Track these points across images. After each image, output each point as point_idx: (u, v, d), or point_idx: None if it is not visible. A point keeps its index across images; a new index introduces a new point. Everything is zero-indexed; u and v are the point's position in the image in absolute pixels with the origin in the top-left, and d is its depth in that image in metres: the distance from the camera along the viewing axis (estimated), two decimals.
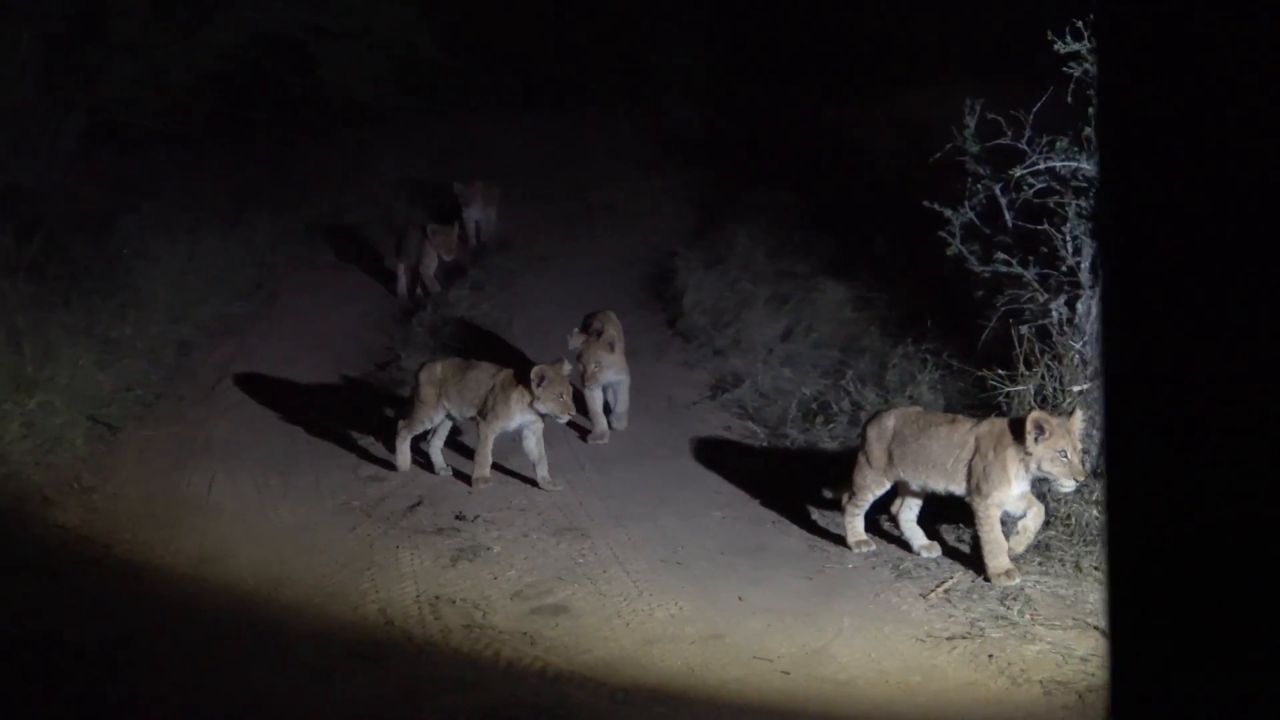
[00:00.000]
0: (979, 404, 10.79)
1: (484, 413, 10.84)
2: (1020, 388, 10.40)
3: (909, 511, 9.62)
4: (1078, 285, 10.51)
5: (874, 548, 9.59)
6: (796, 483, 10.68)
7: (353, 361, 13.71)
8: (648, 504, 10.50)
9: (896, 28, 19.77)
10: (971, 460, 9.10)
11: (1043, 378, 10.35)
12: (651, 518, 10.28)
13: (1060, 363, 10.33)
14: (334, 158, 19.99)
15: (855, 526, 9.69)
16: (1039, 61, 10.39)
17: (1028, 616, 8.60)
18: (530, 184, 18.83)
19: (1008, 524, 9.20)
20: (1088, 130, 10.32)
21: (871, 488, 9.58)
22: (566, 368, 10.85)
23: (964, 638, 8.37)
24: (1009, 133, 10.77)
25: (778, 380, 12.48)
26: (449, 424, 11.25)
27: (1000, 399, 10.51)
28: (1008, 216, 11.00)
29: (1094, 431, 9.85)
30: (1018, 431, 8.91)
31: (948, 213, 11.05)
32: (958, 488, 9.20)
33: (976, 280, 11.19)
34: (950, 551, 9.52)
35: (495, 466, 11.03)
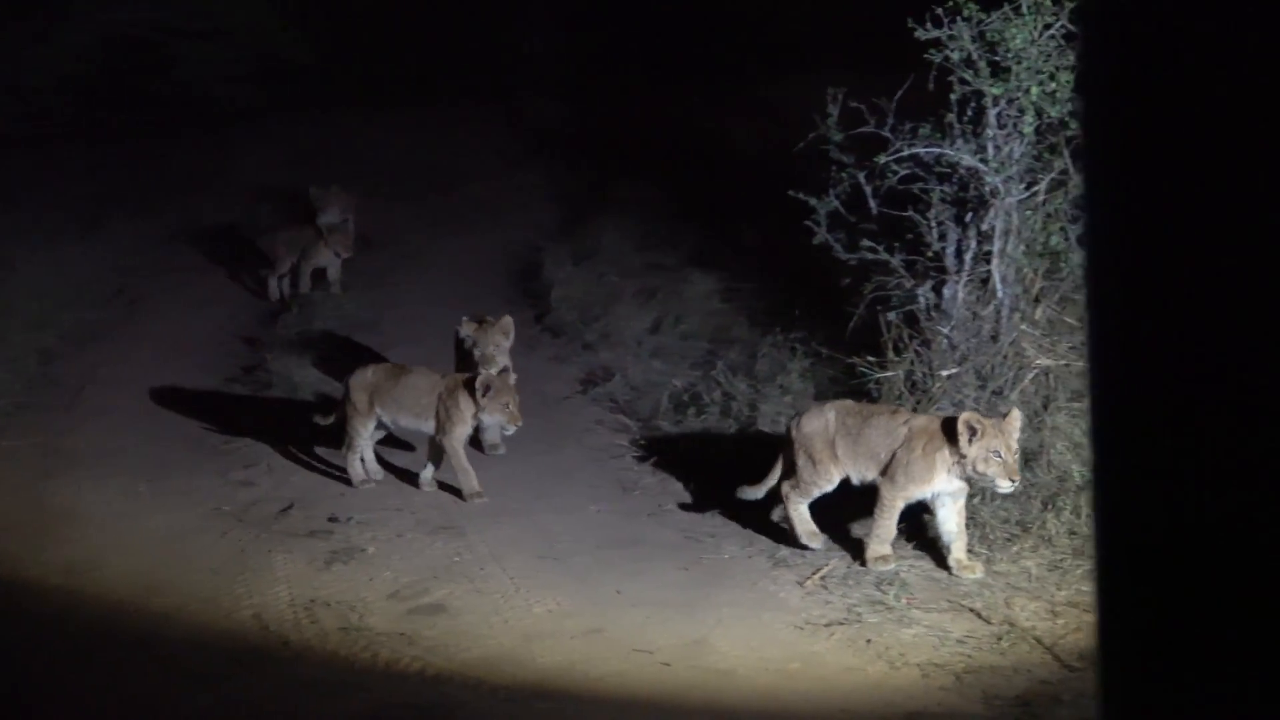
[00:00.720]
0: (849, 391, 10.83)
1: (441, 426, 10.59)
2: (889, 373, 10.48)
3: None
4: (943, 270, 10.61)
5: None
6: (671, 474, 10.71)
7: (219, 366, 13.52)
8: (523, 500, 10.47)
9: (759, 17, 19.83)
10: (897, 450, 9.02)
11: (911, 363, 10.44)
12: (527, 514, 10.26)
13: (929, 347, 10.43)
14: (195, 160, 19.69)
15: (802, 514, 9.43)
16: (900, 49, 10.46)
17: (904, 601, 8.69)
18: (395, 182, 18.66)
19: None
20: (949, 116, 10.41)
21: (820, 484, 9.38)
22: (513, 378, 10.66)
23: (842, 623, 8.44)
24: (871, 120, 10.83)
25: (648, 373, 12.50)
26: (380, 432, 11.02)
27: (870, 385, 10.58)
28: (872, 204, 11.06)
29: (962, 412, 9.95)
30: (950, 432, 8.83)
31: (813, 202, 11.08)
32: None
33: (843, 268, 11.25)
34: (828, 539, 9.57)
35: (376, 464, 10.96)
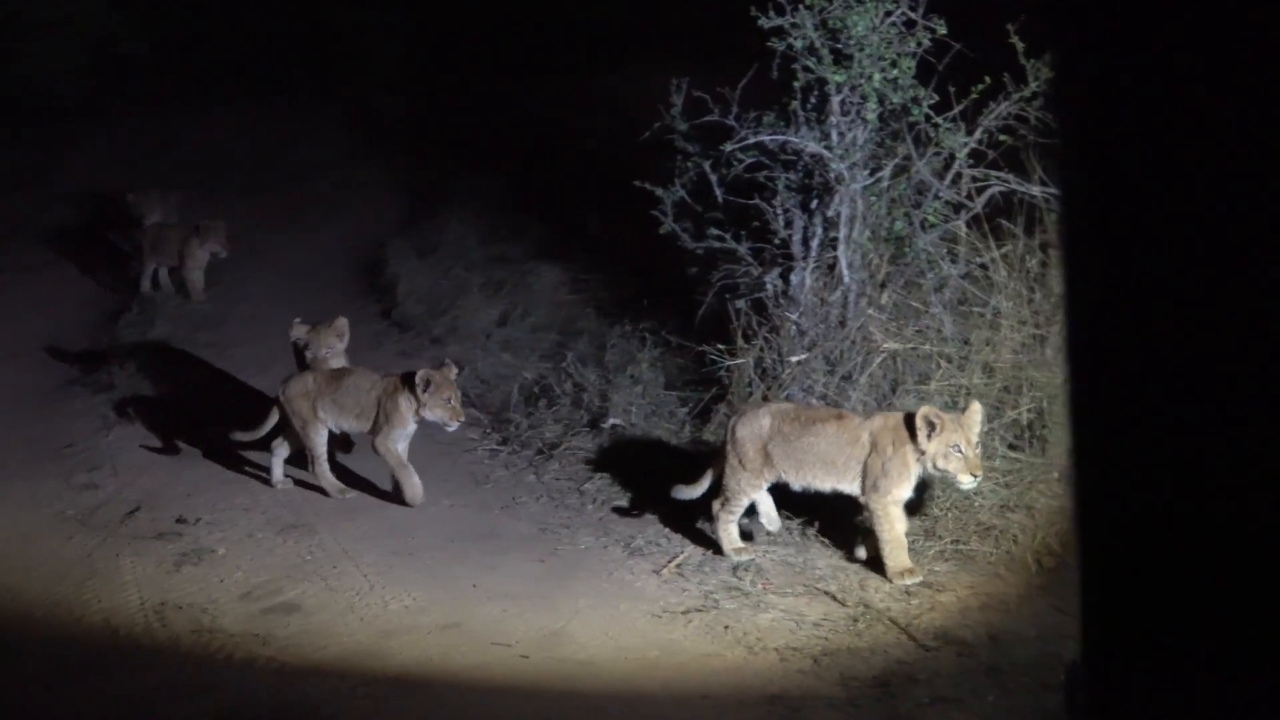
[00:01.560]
0: (700, 379, 10.92)
1: (377, 426, 10.28)
2: (739, 360, 10.53)
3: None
4: (790, 257, 10.68)
5: (753, 555, 9.12)
6: (523, 467, 10.69)
7: (59, 367, 13.30)
8: (374, 497, 10.39)
9: (598, 8, 19.81)
10: (868, 458, 8.77)
11: (761, 350, 10.50)
12: (379, 509, 10.18)
13: (777, 334, 10.49)
14: (29, 156, 19.31)
15: (731, 533, 9.19)
16: (743, 38, 10.51)
17: (759, 586, 8.73)
18: (236, 177, 18.45)
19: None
20: (793, 104, 10.47)
21: (747, 491, 9.14)
22: (454, 372, 10.34)
23: (699, 610, 8.47)
24: (715, 110, 10.87)
25: (498, 366, 12.45)
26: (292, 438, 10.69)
27: (721, 373, 10.63)
28: (718, 193, 11.11)
29: (812, 399, 10.02)
30: (911, 427, 8.61)
31: (659, 191, 11.12)
32: (848, 486, 8.88)
33: (691, 257, 11.30)
34: (682, 528, 9.59)
35: (219, 463, 10.81)
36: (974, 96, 10.12)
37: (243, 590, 9.00)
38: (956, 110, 10.23)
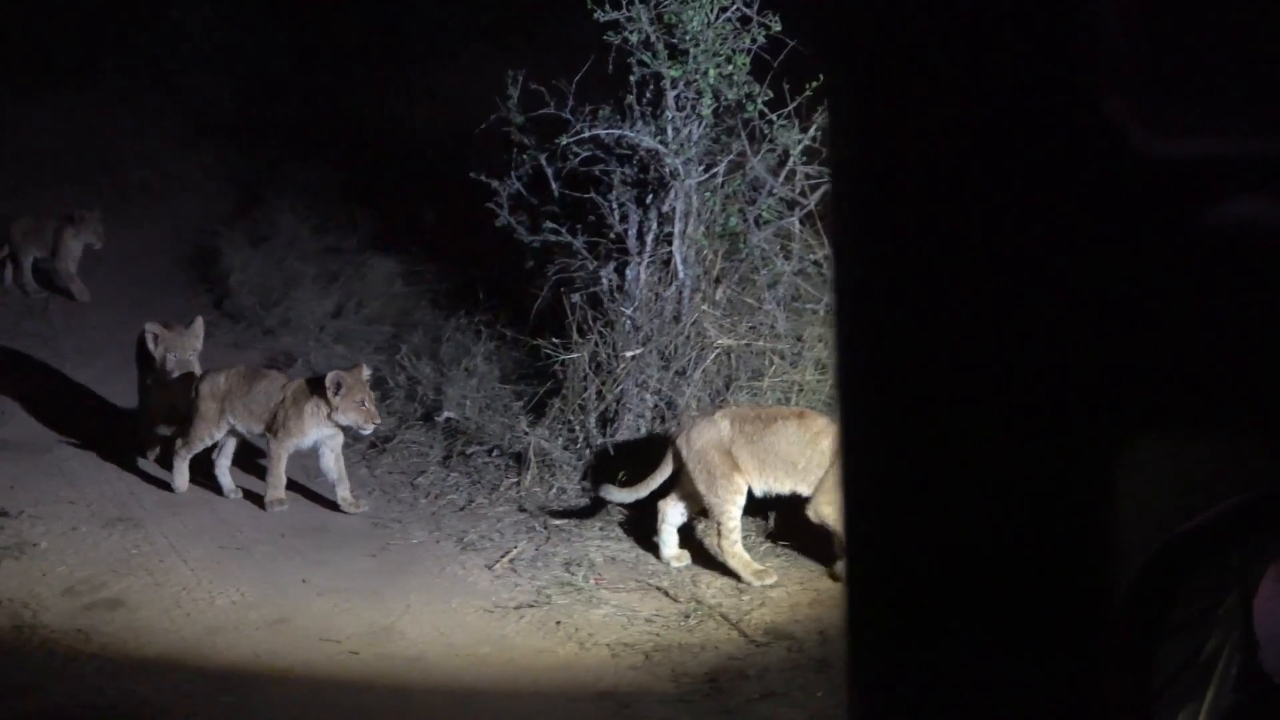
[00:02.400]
0: (535, 373, 10.87)
1: (274, 429, 9.95)
2: (574, 355, 10.51)
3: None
4: (626, 252, 10.69)
5: (774, 579, 8.69)
6: (355, 460, 10.61)
7: None
8: (203, 490, 10.24)
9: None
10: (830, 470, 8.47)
11: (596, 344, 10.49)
12: (207, 504, 10.03)
13: (612, 329, 10.49)
14: None
15: (740, 555, 8.74)
16: (578, 30, 10.51)
17: (592, 581, 8.74)
18: (53, 167, 18.06)
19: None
20: (629, 98, 10.48)
21: (735, 499, 8.79)
22: (366, 372, 10.11)
23: (531, 606, 8.47)
24: (551, 102, 10.85)
25: (331, 358, 12.30)
26: (234, 441, 10.33)
27: (556, 367, 10.61)
28: (554, 186, 11.09)
29: (646, 394, 10.06)
30: None
31: (494, 184, 11.08)
32: (806, 488, 8.72)
33: (527, 250, 11.26)
34: (515, 523, 9.56)
35: (42, 455, 10.60)
36: (808, 94, 10.18)
37: (66, 585, 8.84)
38: (791, 107, 10.29)
